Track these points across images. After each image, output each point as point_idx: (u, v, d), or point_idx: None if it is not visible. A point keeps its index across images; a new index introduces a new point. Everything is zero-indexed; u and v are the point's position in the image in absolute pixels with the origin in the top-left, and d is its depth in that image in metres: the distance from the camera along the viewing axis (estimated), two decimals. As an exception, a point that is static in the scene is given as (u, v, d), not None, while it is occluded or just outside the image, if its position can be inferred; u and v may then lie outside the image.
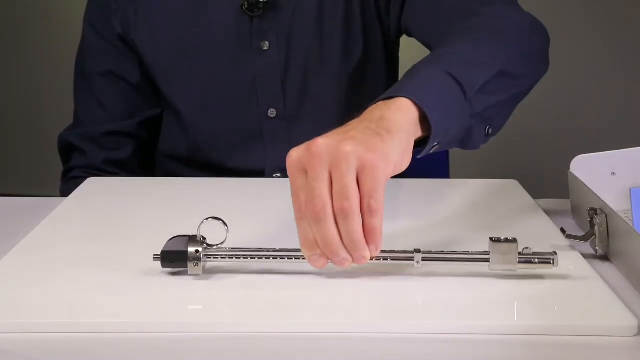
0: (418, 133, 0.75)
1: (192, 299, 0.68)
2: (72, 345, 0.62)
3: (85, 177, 1.16)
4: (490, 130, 0.87)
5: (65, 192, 1.16)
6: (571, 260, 0.76)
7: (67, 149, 1.21)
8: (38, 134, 2.94)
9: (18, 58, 2.93)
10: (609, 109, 2.69)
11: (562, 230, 0.80)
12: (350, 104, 1.15)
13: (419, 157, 0.78)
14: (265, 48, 1.12)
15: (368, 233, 0.68)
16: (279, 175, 1.14)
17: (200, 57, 1.13)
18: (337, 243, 0.68)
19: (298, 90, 1.14)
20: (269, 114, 1.14)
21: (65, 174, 1.21)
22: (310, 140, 0.69)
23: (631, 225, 0.76)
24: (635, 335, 0.63)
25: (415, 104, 0.74)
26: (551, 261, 0.70)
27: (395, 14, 1.14)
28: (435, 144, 0.78)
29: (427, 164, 1.43)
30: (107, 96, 1.18)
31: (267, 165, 1.15)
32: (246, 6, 1.10)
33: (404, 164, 0.72)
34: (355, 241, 0.68)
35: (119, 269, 0.73)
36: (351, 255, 0.68)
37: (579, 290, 0.70)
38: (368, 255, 0.69)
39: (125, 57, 1.17)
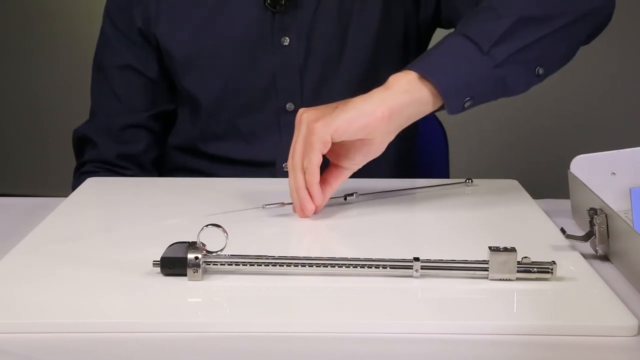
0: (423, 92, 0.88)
1: (192, 299, 0.68)
2: (72, 345, 0.62)
3: (98, 172, 1.17)
4: (541, 71, 0.93)
5: (77, 188, 1.18)
6: (571, 260, 0.76)
7: (80, 143, 1.22)
8: (38, 134, 2.94)
9: (18, 58, 2.92)
10: (609, 109, 2.68)
11: (562, 230, 0.80)
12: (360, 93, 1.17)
13: (452, 113, 0.90)
14: (286, 43, 1.14)
15: (308, 187, 0.86)
16: None
17: (221, 50, 1.15)
18: (291, 191, 0.88)
19: (316, 85, 1.16)
20: (286, 108, 1.16)
21: (78, 169, 1.22)
22: None
23: (631, 225, 0.76)
24: (635, 335, 0.63)
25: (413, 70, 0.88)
26: (550, 270, 0.71)
27: (430, 4, 1.17)
28: (467, 99, 0.89)
29: (427, 164, 1.44)
30: (124, 89, 1.20)
31: (279, 156, 1.16)
32: (269, 2, 1.12)
33: (362, 121, 0.85)
34: (299, 192, 0.87)
35: (119, 268, 0.73)
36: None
37: (579, 290, 0.70)
38: (309, 206, 0.87)
39: (143, 52, 1.19)
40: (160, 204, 0.97)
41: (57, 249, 0.79)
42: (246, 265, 0.72)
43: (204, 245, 0.71)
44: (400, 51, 1.19)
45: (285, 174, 1.14)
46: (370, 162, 1.18)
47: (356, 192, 0.94)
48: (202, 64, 1.16)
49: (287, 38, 1.14)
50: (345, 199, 0.94)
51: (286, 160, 1.14)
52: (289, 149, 1.15)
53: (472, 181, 1.02)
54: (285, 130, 1.16)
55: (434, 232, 0.87)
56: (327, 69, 1.16)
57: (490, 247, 0.71)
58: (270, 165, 1.17)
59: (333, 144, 0.86)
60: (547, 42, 0.93)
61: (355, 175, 1.14)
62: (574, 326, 0.63)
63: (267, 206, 0.89)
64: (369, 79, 1.16)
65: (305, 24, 1.14)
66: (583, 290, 0.70)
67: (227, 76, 1.16)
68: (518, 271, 0.70)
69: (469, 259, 0.72)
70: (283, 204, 0.90)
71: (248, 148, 1.18)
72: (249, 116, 1.17)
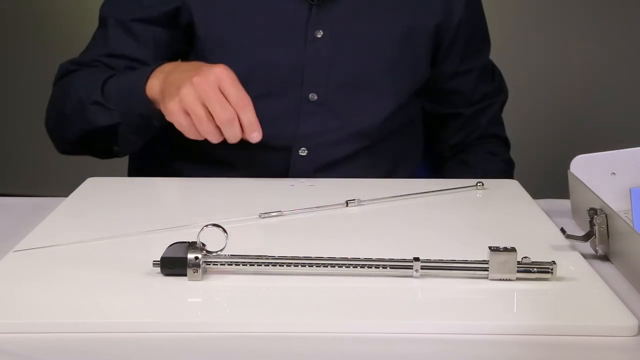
0: None
1: (192, 299, 0.68)
2: (72, 345, 0.62)
3: (76, 70, 1.21)
4: None
5: (55, 86, 1.27)
6: (571, 260, 0.76)
7: (63, 74, 1.25)
8: (38, 134, 2.94)
9: (18, 58, 2.93)
10: (609, 109, 2.68)
11: (562, 230, 0.80)
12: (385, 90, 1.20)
13: None
14: (319, 36, 1.15)
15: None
16: (305, 150, 1.17)
17: (253, 37, 1.16)
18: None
19: (341, 78, 1.17)
20: (309, 98, 1.17)
21: (59, 72, 1.26)
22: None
23: (631, 225, 0.76)
24: (635, 335, 0.63)
25: None
26: (550, 270, 0.71)
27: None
28: None
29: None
30: (140, 39, 1.18)
31: (296, 142, 1.17)
32: None
33: None
34: None
35: (119, 269, 0.73)
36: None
37: (579, 290, 0.70)
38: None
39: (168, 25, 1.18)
40: (160, 203, 0.97)
41: (57, 249, 0.79)
42: (246, 265, 0.72)
43: (204, 245, 0.71)
44: (427, 52, 1.22)
45: (301, 160, 1.15)
46: (373, 164, 1.19)
47: (358, 199, 0.94)
48: (233, 46, 1.16)
49: (320, 31, 1.15)
50: (346, 204, 0.93)
51: (303, 146, 1.18)
52: (305, 136, 1.18)
53: (483, 184, 1.01)
54: (303, 118, 1.17)
55: (434, 232, 0.88)
56: (356, 65, 1.18)
57: (490, 247, 0.71)
58: (285, 149, 1.17)
59: None
60: None
61: (357, 175, 1.15)
62: (574, 326, 0.63)
63: (264, 215, 0.89)
64: (393, 72, 1.19)
65: (340, 18, 1.16)
66: (583, 290, 0.70)
67: (255, 62, 1.16)
68: (518, 271, 0.70)
69: (469, 258, 0.72)
70: (281, 212, 0.90)
71: (264, 131, 1.18)
72: (270, 101, 1.16)
